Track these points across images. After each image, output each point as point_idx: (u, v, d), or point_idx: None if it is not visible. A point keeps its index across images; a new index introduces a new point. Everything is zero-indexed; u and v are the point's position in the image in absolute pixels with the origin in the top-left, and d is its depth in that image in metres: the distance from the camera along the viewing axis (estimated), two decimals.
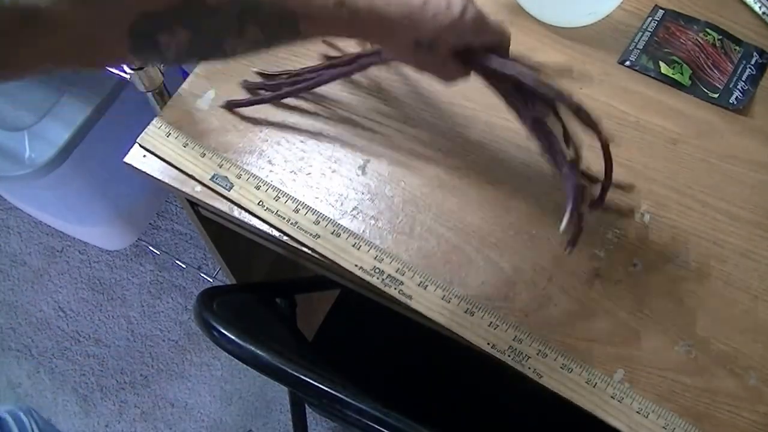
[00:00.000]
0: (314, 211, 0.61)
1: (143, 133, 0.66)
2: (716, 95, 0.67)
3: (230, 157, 0.65)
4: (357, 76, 0.70)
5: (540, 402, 0.56)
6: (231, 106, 0.66)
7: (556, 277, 0.59)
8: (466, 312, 0.56)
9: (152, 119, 0.67)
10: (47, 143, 1.06)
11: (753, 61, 0.69)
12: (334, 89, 0.69)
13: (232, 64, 0.71)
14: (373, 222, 0.61)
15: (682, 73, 0.68)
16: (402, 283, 0.58)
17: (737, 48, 0.70)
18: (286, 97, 0.66)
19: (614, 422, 0.53)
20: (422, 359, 0.91)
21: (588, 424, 0.53)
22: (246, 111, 0.68)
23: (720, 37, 0.70)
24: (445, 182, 0.63)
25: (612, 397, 0.53)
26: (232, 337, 0.60)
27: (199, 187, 0.64)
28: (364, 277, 0.58)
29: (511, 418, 0.82)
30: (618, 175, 0.63)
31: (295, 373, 0.59)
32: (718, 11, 0.72)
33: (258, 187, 0.63)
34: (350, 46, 0.67)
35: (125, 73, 0.68)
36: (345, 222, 0.61)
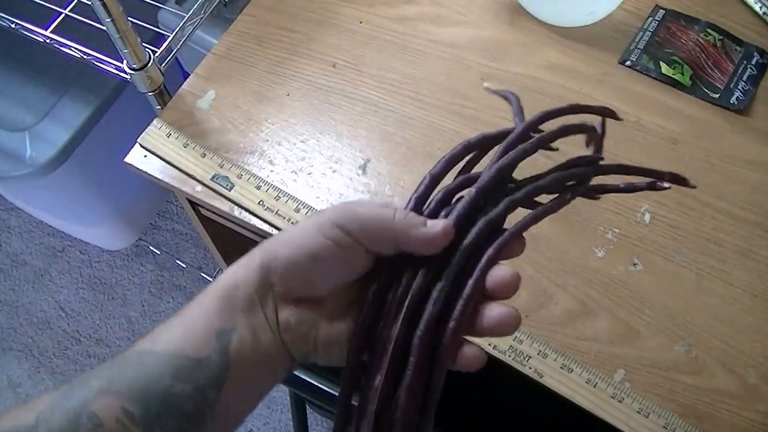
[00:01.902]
0: (315, 211, 0.61)
1: (144, 133, 0.66)
2: (717, 95, 0.67)
3: (231, 157, 0.65)
4: (354, 83, 0.70)
5: (540, 402, 0.56)
6: None
7: (556, 276, 0.59)
8: None
9: (153, 119, 0.67)
10: (48, 143, 1.06)
11: (754, 62, 0.69)
12: (333, 89, 0.69)
13: (233, 65, 0.71)
14: None
15: (682, 74, 0.68)
16: None
17: (738, 48, 0.70)
18: None
19: (615, 422, 0.53)
20: None
21: (588, 424, 0.53)
22: (245, 111, 0.68)
23: (721, 37, 0.70)
24: (445, 182, 0.63)
25: (612, 397, 0.53)
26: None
27: (199, 187, 0.64)
28: None
29: (511, 418, 0.82)
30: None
31: (296, 373, 0.59)
32: (719, 11, 0.72)
33: (259, 187, 0.63)
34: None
35: (125, 73, 0.68)
36: None
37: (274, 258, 0.34)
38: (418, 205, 0.37)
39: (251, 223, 0.62)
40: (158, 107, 0.70)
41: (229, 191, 0.63)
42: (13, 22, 0.74)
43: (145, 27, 0.71)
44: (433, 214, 0.37)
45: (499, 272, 0.35)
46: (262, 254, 0.34)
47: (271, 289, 0.34)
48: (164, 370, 0.32)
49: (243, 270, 0.34)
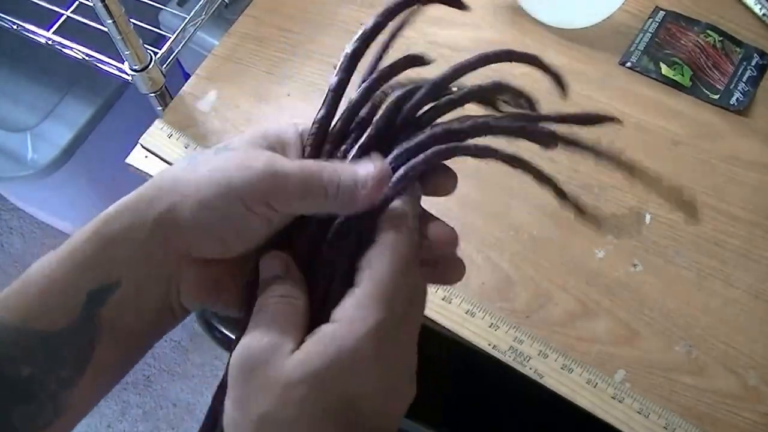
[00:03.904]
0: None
1: (145, 134, 0.67)
2: (717, 96, 0.67)
3: None
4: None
5: (540, 402, 0.56)
6: None
7: (556, 277, 0.59)
8: (467, 313, 0.57)
9: (154, 120, 0.68)
10: (49, 144, 1.06)
11: (753, 63, 0.69)
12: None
13: (234, 66, 0.71)
14: None
15: (682, 75, 0.68)
16: None
17: (738, 49, 0.70)
18: None
19: (615, 422, 0.53)
20: (421, 359, 0.91)
21: (588, 424, 0.53)
22: (246, 112, 0.68)
23: (721, 38, 0.70)
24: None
25: (613, 397, 0.53)
26: (234, 338, 0.60)
27: None
28: None
29: (511, 418, 0.82)
30: (619, 175, 0.63)
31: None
32: (719, 13, 0.72)
33: None
34: None
35: (127, 74, 0.68)
36: None
37: (179, 212, 0.28)
38: (321, 131, 0.34)
39: None
40: (159, 108, 0.70)
41: None
42: (14, 23, 0.74)
43: (147, 28, 0.71)
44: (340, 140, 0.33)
45: (438, 229, 0.32)
46: (166, 203, 0.28)
47: (170, 243, 0.28)
48: (6, 350, 0.26)
49: (136, 214, 0.28)
